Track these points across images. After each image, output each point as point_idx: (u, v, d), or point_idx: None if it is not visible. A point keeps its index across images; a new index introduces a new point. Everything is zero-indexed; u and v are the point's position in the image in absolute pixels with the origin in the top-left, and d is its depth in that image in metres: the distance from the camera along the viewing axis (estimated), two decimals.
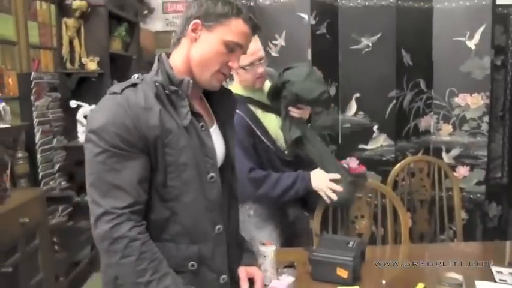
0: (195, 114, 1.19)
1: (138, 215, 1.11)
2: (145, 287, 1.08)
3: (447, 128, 3.05)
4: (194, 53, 1.19)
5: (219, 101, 1.34)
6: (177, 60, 1.22)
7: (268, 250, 1.58)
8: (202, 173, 1.18)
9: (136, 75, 1.19)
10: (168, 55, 1.24)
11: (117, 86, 1.15)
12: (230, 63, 1.20)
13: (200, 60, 1.18)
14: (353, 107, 2.92)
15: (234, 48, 1.19)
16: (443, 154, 3.05)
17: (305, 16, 2.64)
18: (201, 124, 1.19)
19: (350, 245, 1.64)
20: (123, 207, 1.08)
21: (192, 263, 1.17)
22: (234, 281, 1.33)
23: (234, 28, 1.17)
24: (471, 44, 2.92)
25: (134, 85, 1.14)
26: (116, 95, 1.12)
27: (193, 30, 1.18)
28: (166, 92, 1.14)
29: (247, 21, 1.19)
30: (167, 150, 1.12)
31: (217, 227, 1.21)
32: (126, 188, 1.09)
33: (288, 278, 1.57)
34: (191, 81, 1.17)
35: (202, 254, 1.18)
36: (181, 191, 1.15)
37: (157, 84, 1.14)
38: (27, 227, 2.33)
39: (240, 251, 1.42)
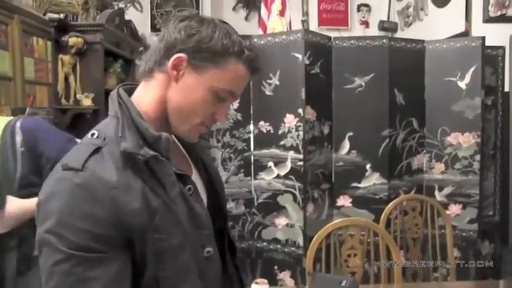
0: (179, 176, 0.91)
1: None
2: None
3: (439, 166, 3.07)
4: (173, 97, 0.91)
5: (190, 144, 1.06)
6: (147, 99, 0.93)
7: None
8: (197, 251, 0.91)
9: (93, 133, 0.89)
10: (129, 89, 0.97)
11: (75, 158, 0.83)
12: (216, 116, 0.95)
13: (180, 108, 0.91)
14: (346, 145, 2.93)
15: (225, 98, 0.93)
16: (436, 192, 3.07)
17: (299, 56, 2.69)
18: (187, 187, 0.92)
19: (343, 284, 1.63)
20: None
21: None
22: None
23: (231, 73, 0.90)
24: (462, 84, 2.98)
25: (97, 150, 0.84)
26: (77, 173, 0.80)
27: (175, 67, 0.90)
28: (141, 158, 0.84)
29: (248, 65, 0.93)
30: (156, 235, 0.84)
31: None
32: None
33: None
34: (170, 138, 0.90)
35: None
36: (177, 280, 0.87)
37: (127, 153, 0.84)
38: None
39: None
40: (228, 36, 0.89)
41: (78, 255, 0.77)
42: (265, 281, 1.63)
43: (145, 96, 0.93)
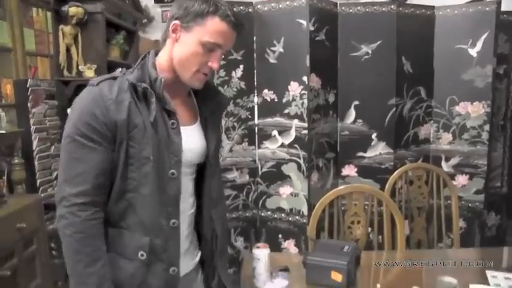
0: (168, 112, 1.21)
1: (94, 206, 1.15)
2: (74, 274, 1.15)
3: (447, 136, 3.03)
4: (175, 53, 1.22)
5: (203, 98, 1.36)
6: (162, 58, 1.25)
7: (262, 253, 1.56)
8: (164, 169, 1.19)
9: (119, 69, 1.26)
10: (157, 52, 1.28)
11: (97, 79, 1.20)
12: (210, 64, 1.21)
13: (179, 61, 1.21)
14: (352, 114, 2.89)
15: (212, 48, 1.20)
16: (443, 163, 3.03)
17: (304, 22, 2.63)
18: (171, 121, 1.21)
19: (345, 249, 1.62)
20: (79, 196, 1.13)
21: (141, 252, 1.19)
22: (222, 286, 1.40)
23: (211, 27, 1.18)
24: (473, 52, 2.90)
25: (114, 78, 1.19)
26: (92, 87, 1.17)
27: (173, 31, 1.22)
28: (139, 88, 1.17)
29: (224, 19, 1.18)
30: (131, 143, 1.15)
31: (172, 221, 1.23)
32: (86, 178, 1.13)
33: (282, 282, 1.55)
34: (163, 80, 1.19)
35: (154, 246, 1.20)
36: (139, 183, 1.17)
37: (128, 81, 1.17)
38: (24, 232, 2.35)
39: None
40: (205, 0, 1.18)
41: (78, 140, 1.13)
42: (267, 245, 1.62)
43: (162, 55, 1.25)
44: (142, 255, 1.19)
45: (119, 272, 1.19)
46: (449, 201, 2.49)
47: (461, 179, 2.99)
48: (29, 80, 2.97)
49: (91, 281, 1.13)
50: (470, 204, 2.99)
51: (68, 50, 3.30)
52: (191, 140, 1.28)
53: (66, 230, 1.13)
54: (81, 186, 1.13)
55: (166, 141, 1.19)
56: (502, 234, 3.33)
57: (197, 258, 1.40)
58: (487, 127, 2.93)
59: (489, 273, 1.61)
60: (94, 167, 1.14)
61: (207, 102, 1.36)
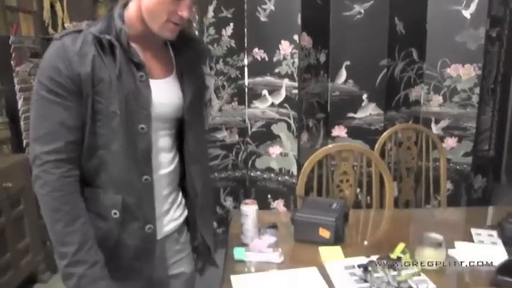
0: (137, 65, 1.16)
1: (68, 163, 1.12)
2: (55, 235, 1.11)
3: (437, 99, 3.02)
4: (143, 3, 1.15)
5: (179, 49, 1.30)
6: (131, 9, 1.19)
7: (250, 209, 1.55)
8: (132, 123, 1.15)
9: (85, 22, 1.18)
10: (126, 4, 1.21)
11: (61, 33, 1.15)
12: (179, 12, 1.15)
13: (147, 10, 1.15)
14: (343, 74, 2.87)
15: None
16: (432, 125, 3.03)
17: None
18: (140, 74, 1.16)
19: (334, 206, 1.61)
20: (51, 153, 1.09)
21: (114, 211, 1.16)
22: (206, 246, 1.38)
23: None
24: (467, 13, 2.85)
25: (79, 31, 1.13)
26: (56, 41, 1.12)
27: None
28: (103, 40, 1.11)
29: None
30: (97, 98, 1.10)
31: (144, 177, 1.19)
32: (56, 135, 1.10)
33: (269, 238, 1.55)
34: (126, 30, 1.14)
35: (127, 204, 1.17)
36: (109, 139, 1.13)
37: (91, 33, 1.12)
38: (11, 192, 2.35)
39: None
40: None
41: (44, 96, 1.09)
42: (255, 201, 1.60)
43: (131, 6, 1.19)
44: (115, 213, 1.16)
45: (95, 232, 1.15)
46: (437, 163, 2.51)
47: (450, 142, 3.00)
48: (11, 37, 2.89)
49: (72, 240, 1.09)
50: (458, 167, 3.01)
51: (52, 6, 3.21)
52: (164, 93, 1.22)
53: (42, 189, 1.10)
54: (53, 143, 1.09)
55: (134, 94, 1.14)
56: (487, 197, 3.38)
57: (181, 219, 1.36)
58: (477, 90, 2.91)
59: (474, 231, 1.63)
60: (62, 123, 1.10)
61: (183, 53, 1.29)
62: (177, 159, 1.31)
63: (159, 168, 1.24)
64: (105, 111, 1.11)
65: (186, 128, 1.29)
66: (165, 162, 1.26)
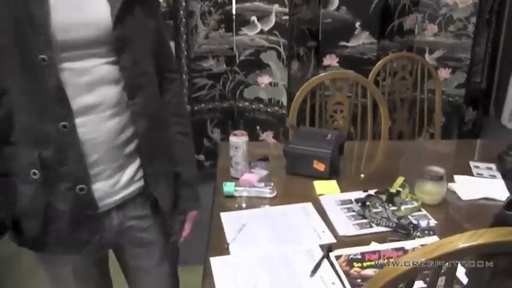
0: None
1: None
2: None
3: (432, 27, 2.93)
4: None
5: None
6: None
7: (240, 141, 1.46)
8: (30, 55, 0.89)
9: None
10: None
11: None
12: None
13: None
14: (335, 1, 2.74)
15: None
16: (426, 55, 2.97)
17: None
18: None
19: (328, 137, 1.54)
20: None
21: (33, 171, 0.95)
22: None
23: None
24: None
25: None
26: None
27: None
28: None
29: None
30: None
31: (62, 124, 0.93)
32: None
33: (260, 172, 1.49)
34: None
35: (45, 160, 0.95)
36: (8, 79, 0.91)
37: None
38: None
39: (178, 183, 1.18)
40: None
41: None
42: (244, 132, 1.52)
43: None
44: (34, 173, 0.95)
45: (20, 199, 0.98)
46: (430, 95, 2.44)
47: (443, 73, 2.95)
48: None
49: None
50: (450, 99, 2.98)
51: None
52: (74, 7, 0.92)
53: None
54: None
55: (27, 17, 0.87)
56: (477, 129, 3.36)
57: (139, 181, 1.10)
58: (473, 19, 2.84)
59: (472, 164, 1.59)
60: None
61: None
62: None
63: (87, 111, 0.97)
64: None
65: (118, 52, 0.98)
66: (106, 100, 0.98)
